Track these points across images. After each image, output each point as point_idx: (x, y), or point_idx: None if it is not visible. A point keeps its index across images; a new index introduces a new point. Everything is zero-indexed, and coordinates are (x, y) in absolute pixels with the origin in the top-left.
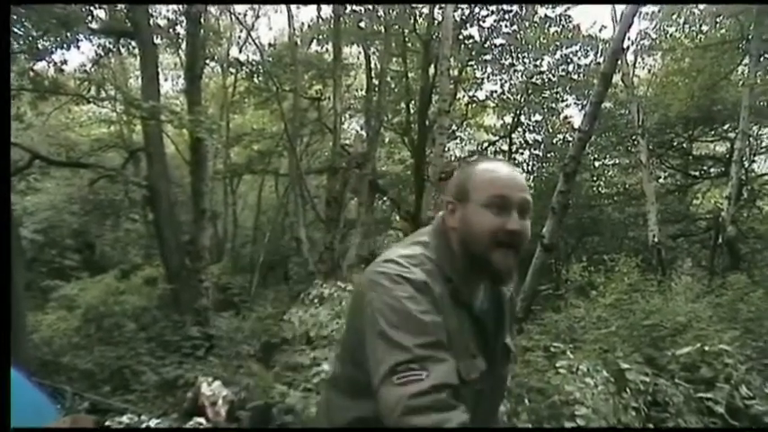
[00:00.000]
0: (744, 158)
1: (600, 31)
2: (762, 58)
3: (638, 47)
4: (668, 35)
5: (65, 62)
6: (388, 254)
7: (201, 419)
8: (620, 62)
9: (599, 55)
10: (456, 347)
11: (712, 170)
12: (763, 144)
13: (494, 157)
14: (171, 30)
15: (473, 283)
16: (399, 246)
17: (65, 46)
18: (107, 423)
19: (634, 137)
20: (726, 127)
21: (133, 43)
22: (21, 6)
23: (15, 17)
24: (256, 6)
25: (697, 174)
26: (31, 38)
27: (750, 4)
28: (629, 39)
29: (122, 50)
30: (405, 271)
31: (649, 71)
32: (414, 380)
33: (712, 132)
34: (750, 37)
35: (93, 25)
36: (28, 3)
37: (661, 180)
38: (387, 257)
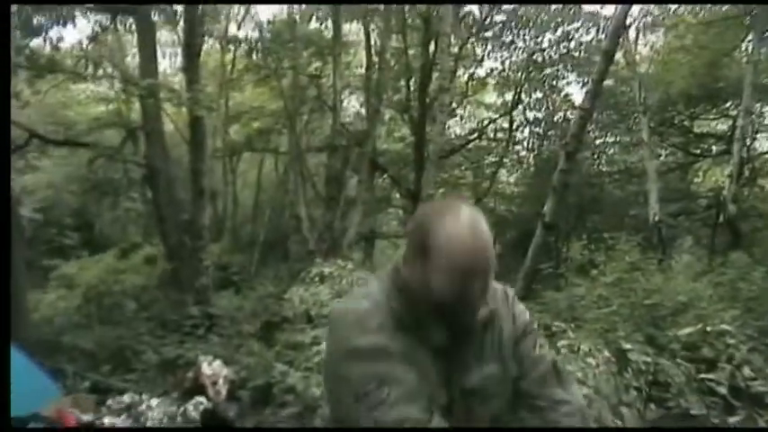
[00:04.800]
0: (746, 136)
1: (601, 7)
2: (766, 34)
3: (641, 23)
4: (671, 11)
5: (61, 39)
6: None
7: (202, 398)
8: (621, 39)
9: (601, 32)
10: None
11: (714, 148)
12: (766, 122)
13: (458, 210)
14: (169, 6)
15: (434, 316)
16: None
17: (61, 22)
18: (108, 402)
19: (635, 115)
20: (728, 104)
21: (131, 20)
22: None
23: None
24: None
25: (698, 152)
26: (26, 14)
27: (749, 3)
28: (630, 15)
29: (120, 27)
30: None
31: (651, 48)
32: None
33: (714, 110)
34: (754, 12)
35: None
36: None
37: (662, 158)
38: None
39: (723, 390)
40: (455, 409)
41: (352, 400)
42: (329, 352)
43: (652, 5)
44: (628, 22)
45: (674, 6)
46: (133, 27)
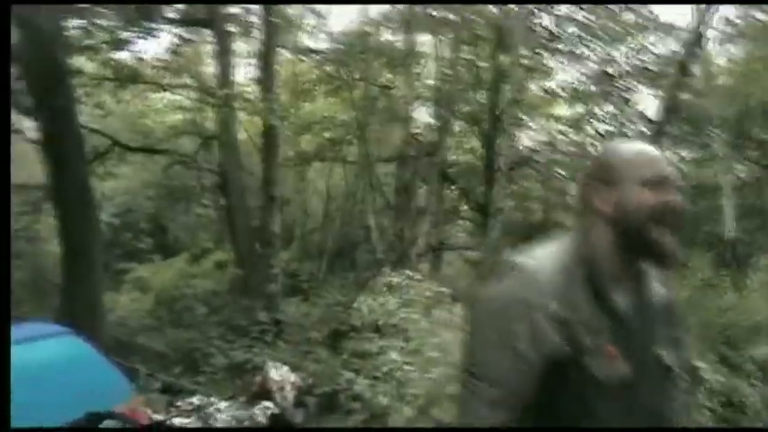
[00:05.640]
0: None
1: (675, 20)
2: None
3: (720, 34)
4: (754, 21)
5: (144, 51)
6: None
7: (269, 403)
8: (698, 50)
9: (677, 44)
10: (588, 341)
11: None
12: None
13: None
14: (244, 18)
15: (619, 275)
16: (534, 248)
17: (144, 36)
18: (178, 403)
19: (710, 128)
20: None
21: (208, 31)
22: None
23: (98, 9)
24: None
25: None
26: (114, 31)
27: None
28: (708, 25)
29: (197, 39)
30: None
31: (730, 60)
32: None
33: None
34: None
35: (171, 15)
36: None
37: (738, 173)
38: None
39: None
40: (646, 386)
41: (495, 350)
42: (490, 299)
43: (732, 14)
44: (706, 32)
45: (759, 14)
46: (210, 38)
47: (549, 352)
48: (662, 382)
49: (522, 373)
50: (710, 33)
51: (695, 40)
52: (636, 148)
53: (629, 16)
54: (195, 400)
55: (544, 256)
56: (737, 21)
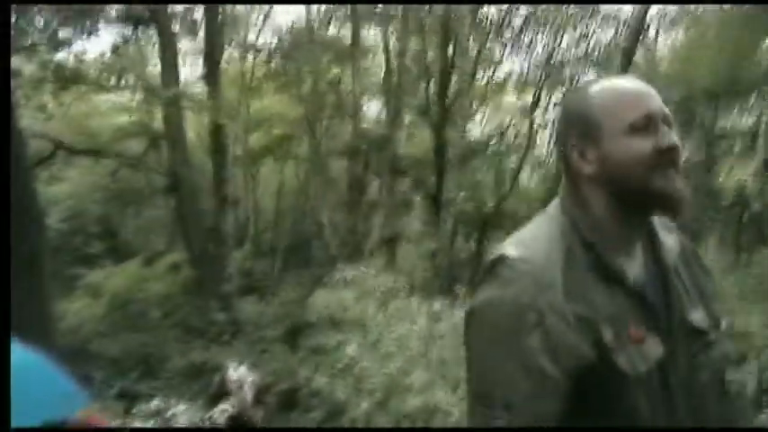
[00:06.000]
0: None
1: (619, 8)
2: None
3: (660, 21)
4: (692, 8)
5: (84, 52)
6: (504, 248)
7: (228, 404)
8: (641, 38)
9: (620, 31)
10: (610, 334)
11: (737, 145)
12: None
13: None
14: (188, 16)
15: (625, 242)
16: (521, 231)
17: (84, 35)
18: (135, 409)
19: None
20: (752, 101)
21: (152, 30)
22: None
23: (36, 9)
24: None
25: (721, 149)
26: (52, 29)
27: (756, 3)
28: (649, 14)
29: (141, 38)
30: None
31: (672, 46)
32: None
33: (737, 107)
34: None
35: (113, 14)
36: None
37: (684, 156)
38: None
39: (751, 387)
40: (677, 361)
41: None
42: (491, 308)
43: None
44: (647, 20)
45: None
46: (154, 37)
47: (574, 362)
48: (699, 353)
49: (546, 395)
50: (653, 21)
51: (638, 28)
52: (611, 87)
53: (573, 5)
54: (153, 404)
55: (538, 242)
56: (675, 9)
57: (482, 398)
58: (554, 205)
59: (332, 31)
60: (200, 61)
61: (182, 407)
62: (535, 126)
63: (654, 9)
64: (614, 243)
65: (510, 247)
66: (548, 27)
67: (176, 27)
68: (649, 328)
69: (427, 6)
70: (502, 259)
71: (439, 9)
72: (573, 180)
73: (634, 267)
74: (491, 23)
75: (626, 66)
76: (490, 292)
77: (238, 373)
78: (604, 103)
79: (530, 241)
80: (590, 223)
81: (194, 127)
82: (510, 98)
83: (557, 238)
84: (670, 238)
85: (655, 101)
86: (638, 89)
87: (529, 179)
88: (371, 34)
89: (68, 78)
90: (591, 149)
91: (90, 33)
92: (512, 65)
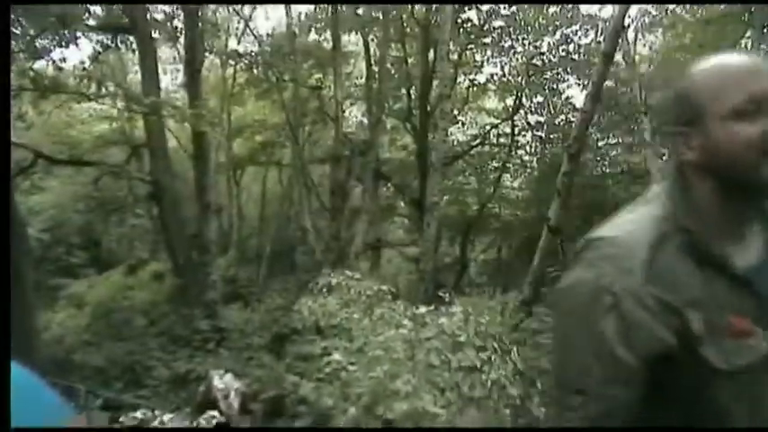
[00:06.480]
0: None
1: (599, 9)
2: (765, 30)
3: (639, 24)
4: (669, 11)
5: (64, 60)
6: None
7: (215, 413)
8: (620, 40)
9: (599, 34)
10: (699, 323)
11: None
12: None
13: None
14: (169, 24)
15: (732, 230)
16: (620, 214)
17: (63, 44)
18: (121, 419)
19: (637, 115)
20: None
21: (131, 38)
22: (18, 6)
23: (13, 17)
24: None
25: None
26: (29, 37)
27: (745, 3)
28: (629, 16)
29: (121, 46)
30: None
31: (651, 48)
32: None
33: None
34: (753, 9)
35: (91, 22)
36: (28, 3)
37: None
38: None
39: None
40: None
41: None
42: (572, 290)
43: (650, 5)
44: (626, 22)
45: (671, 6)
46: (134, 45)
47: (651, 349)
48: None
49: (620, 381)
50: (631, 24)
51: (617, 31)
52: (715, 66)
53: (553, 9)
54: (139, 414)
55: (630, 225)
56: (654, 11)
57: (559, 382)
58: (656, 189)
59: (313, 36)
60: (181, 69)
61: (167, 416)
62: (517, 129)
63: (633, 11)
64: (719, 230)
65: (603, 229)
66: (527, 31)
67: (156, 35)
68: (757, 322)
69: (409, 7)
70: (590, 241)
71: (419, 13)
72: (677, 166)
73: (745, 256)
74: (472, 26)
75: (605, 68)
76: (573, 275)
77: (224, 380)
78: (707, 85)
79: (622, 224)
80: (691, 209)
81: (176, 134)
82: (492, 102)
83: (652, 222)
84: None
85: (761, 80)
86: (742, 68)
87: (511, 182)
88: (352, 40)
89: (48, 87)
90: (694, 136)
91: (68, 43)
92: (493, 68)
